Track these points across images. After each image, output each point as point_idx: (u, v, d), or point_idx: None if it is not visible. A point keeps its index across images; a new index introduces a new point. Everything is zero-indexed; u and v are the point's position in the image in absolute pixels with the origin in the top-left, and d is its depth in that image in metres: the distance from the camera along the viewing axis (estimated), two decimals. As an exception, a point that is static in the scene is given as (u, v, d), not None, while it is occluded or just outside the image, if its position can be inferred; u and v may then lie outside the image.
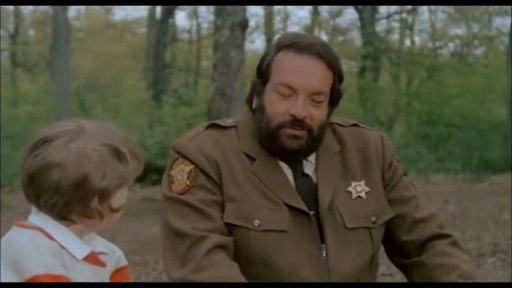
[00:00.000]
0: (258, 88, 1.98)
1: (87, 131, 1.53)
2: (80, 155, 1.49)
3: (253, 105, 2.01)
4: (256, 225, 1.90)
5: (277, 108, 1.92)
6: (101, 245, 1.62)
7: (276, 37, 2.07)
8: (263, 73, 1.97)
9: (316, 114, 1.93)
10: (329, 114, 1.99)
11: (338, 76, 1.97)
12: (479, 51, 25.36)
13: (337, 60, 1.97)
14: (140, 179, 12.40)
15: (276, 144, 1.94)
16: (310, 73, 1.92)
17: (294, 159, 1.98)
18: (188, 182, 1.92)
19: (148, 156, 12.89)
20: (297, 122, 1.92)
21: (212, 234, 1.86)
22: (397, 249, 2.06)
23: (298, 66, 1.92)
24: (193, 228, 1.87)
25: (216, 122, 2.05)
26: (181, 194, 1.92)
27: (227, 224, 1.91)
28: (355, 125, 2.13)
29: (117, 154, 1.52)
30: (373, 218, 2.00)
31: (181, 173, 1.94)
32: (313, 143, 1.97)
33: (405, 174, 2.12)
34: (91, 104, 19.32)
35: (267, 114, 1.94)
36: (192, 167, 1.94)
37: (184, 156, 1.95)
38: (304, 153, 1.98)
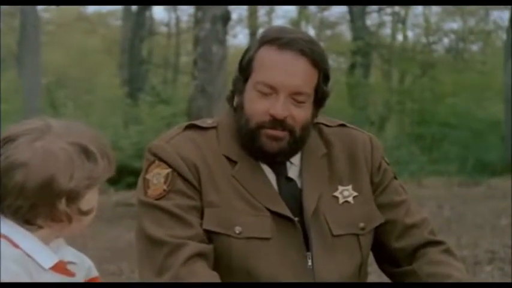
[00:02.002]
0: (239, 85, 1.98)
1: (53, 129, 1.53)
2: (46, 154, 1.49)
3: (234, 104, 2.01)
4: (237, 232, 1.90)
5: (257, 107, 1.92)
6: (69, 254, 1.61)
7: (261, 31, 2.06)
8: (244, 69, 1.97)
9: (299, 114, 1.93)
10: (314, 115, 1.99)
11: (324, 75, 1.96)
12: (475, 47, 25.54)
13: (323, 58, 1.96)
14: (114, 182, 12.37)
15: (255, 144, 1.94)
16: (291, 71, 1.91)
17: (275, 161, 1.98)
18: (165, 187, 1.92)
19: (123, 157, 12.86)
20: (277, 122, 1.91)
21: (191, 241, 1.86)
22: (387, 256, 2.07)
23: (280, 64, 1.91)
24: (170, 236, 1.86)
25: (195, 122, 2.05)
26: (157, 199, 1.91)
27: (207, 231, 1.90)
28: (343, 125, 2.13)
29: (86, 153, 1.52)
30: (362, 224, 2.01)
31: (157, 176, 1.93)
32: (296, 145, 1.96)
33: (395, 178, 2.13)
34: (62, 102, 19.24)
35: (246, 112, 1.94)
36: (169, 170, 1.93)
37: (160, 159, 1.95)
38: (286, 155, 1.98)
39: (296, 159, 2.02)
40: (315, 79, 1.94)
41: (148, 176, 1.95)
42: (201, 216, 1.91)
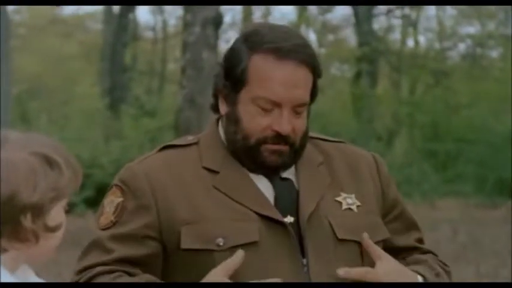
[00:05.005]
0: (229, 94, 2.03)
1: (11, 140, 1.54)
2: (4, 166, 1.49)
3: (222, 112, 2.06)
4: (220, 244, 1.94)
5: (258, 123, 1.99)
6: None
7: (246, 31, 2.06)
8: (237, 78, 2.01)
9: (299, 125, 2.01)
10: (308, 115, 2.06)
11: (317, 74, 2.04)
12: (494, 53, 25.58)
13: (317, 59, 2.04)
14: (93, 204, 12.35)
15: (257, 160, 2.01)
16: (294, 84, 1.98)
17: (275, 174, 2.04)
18: (112, 218, 2.01)
19: (103, 176, 12.83)
20: (280, 138, 1.99)
21: (100, 266, 1.94)
22: None
23: (281, 77, 1.97)
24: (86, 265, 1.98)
25: (171, 142, 2.13)
26: (103, 229, 2.01)
27: (187, 251, 1.94)
28: (342, 141, 2.22)
29: (49, 163, 1.53)
30: (365, 234, 2.03)
31: (110, 205, 2.03)
32: (296, 155, 2.04)
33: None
34: (34, 114, 19.24)
35: (243, 127, 2.00)
36: (120, 200, 2.01)
37: (119, 185, 2.03)
38: (287, 167, 2.05)
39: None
40: (311, 83, 2.02)
41: (105, 202, 2.05)
42: (148, 243, 1.97)
